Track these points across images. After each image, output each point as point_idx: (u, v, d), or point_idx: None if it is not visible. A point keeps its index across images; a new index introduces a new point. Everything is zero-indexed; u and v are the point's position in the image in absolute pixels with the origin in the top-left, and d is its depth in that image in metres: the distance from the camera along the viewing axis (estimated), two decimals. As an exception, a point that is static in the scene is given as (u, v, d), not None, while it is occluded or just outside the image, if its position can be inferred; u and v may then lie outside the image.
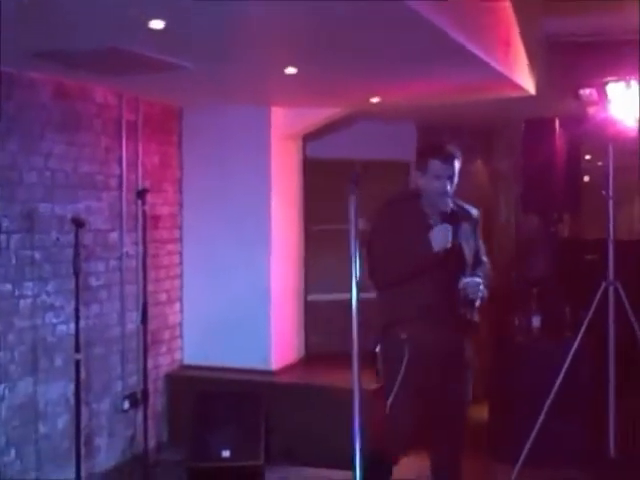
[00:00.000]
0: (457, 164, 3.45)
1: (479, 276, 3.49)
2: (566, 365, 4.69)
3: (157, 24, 3.34)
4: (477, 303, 3.46)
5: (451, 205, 3.49)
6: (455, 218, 3.48)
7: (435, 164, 3.43)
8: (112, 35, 3.57)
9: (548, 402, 4.68)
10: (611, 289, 4.74)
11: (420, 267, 3.40)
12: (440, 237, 3.36)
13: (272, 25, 3.46)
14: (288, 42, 3.81)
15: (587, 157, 8.76)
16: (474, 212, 3.68)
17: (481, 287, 3.42)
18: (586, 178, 8.66)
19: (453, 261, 3.44)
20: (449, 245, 3.35)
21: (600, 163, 7.40)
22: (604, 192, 4.82)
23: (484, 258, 3.69)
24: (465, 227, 3.54)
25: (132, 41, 3.69)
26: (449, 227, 3.36)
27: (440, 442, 3.68)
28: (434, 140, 3.61)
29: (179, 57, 4.00)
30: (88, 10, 3.11)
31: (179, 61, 4.05)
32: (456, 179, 3.47)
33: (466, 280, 3.41)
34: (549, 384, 4.71)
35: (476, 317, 3.56)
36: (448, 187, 3.44)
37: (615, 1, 4.62)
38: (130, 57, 3.94)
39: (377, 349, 3.64)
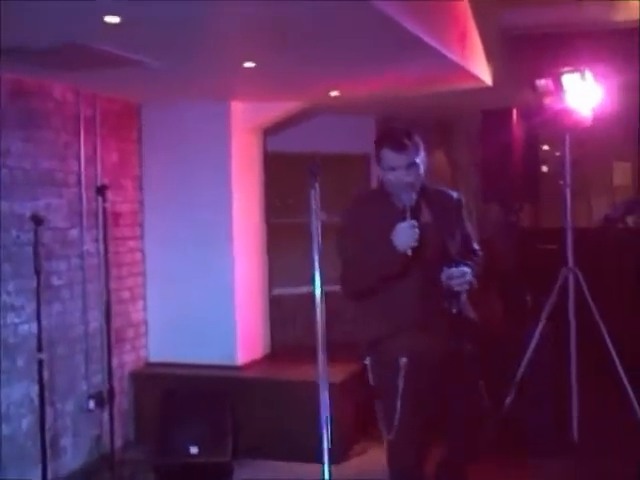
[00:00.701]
0: (415, 150, 3.05)
1: (467, 265, 3.09)
2: (529, 352, 4.77)
3: (113, 19, 3.33)
4: (463, 296, 3.12)
5: (414, 197, 3.09)
6: (418, 212, 3.09)
7: (387, 154, 3.06)
8: (69, 31, 3.54)
9: (512, 388, 4.76)
10: (571, 275, 4.84)
11: (389, 272, 3.03)
12: (403, 236, 2.95)
13: (229, 20, 3.46)
14: (245, 37, 3.81)
15: (545, 147, 8.92)
16: (455, 196, 3.30)
17: (468, 277, 3.03)
18: (544, 168, 8.80)
19: (437, 259, 3.08)
20: (414, 243, 2.93)
21: (557, 153, 7.53)
22: (562, 181, 4.91)
23: (475, 246, 3.35)
24: (447, 217, 3.20)
25: (89, 36, 3.66)
26: (414, 223, 2.95)
27: (455, 454, 3.39)
28: (387, 128, 3.13)
29: (137, 52, 3.98)
30: (44, 6, 3.07)
31: (137, 56, 4.03)
32: (420, 167, 3.08)
33: (450, 270, 3.03)
34: (513, 371, 4.79)
35: (470, 313, 3.22)
36: (407, 178, 3.04)
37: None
38: (88, 53, 3.91)
39: (366, 361, 3.29)
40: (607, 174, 9.75)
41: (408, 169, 3.03)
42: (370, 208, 3.18)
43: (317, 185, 3.24)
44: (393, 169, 3.04)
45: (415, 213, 3.04)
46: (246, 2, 3.10)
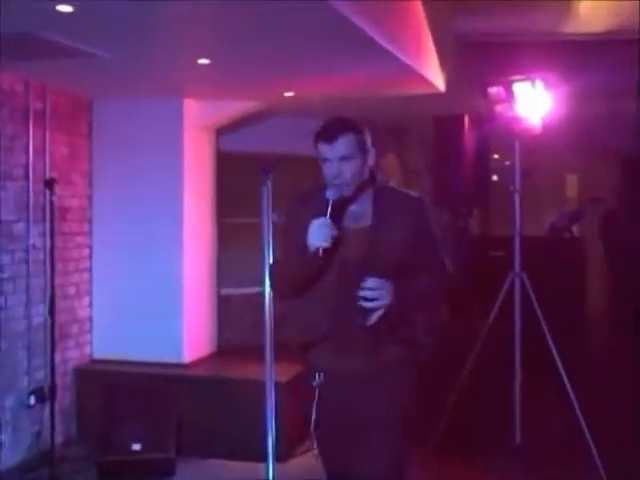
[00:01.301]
0: (348, 143, 2.77)
1: (395, 282, 2.73)
2: (474, 354, 4.84)
3: (65, 8, 3.28)
4: (373, 316, 2.70)
5: (347, 194, 2.80)
6: (343, 211, 2.81)
7: (321, 147, 2.82)
8: (21, 20, 3.48)
9: (456, 387, 4.82)
10: (517, 280, 4.92)
11: (301, 273, 2.80)
12: (315, 234, 2.68)
13: (182, 15, 3.44)
14: (199, 32, 3.80)
15: (495, 156, 9.05)
16: (414, 197, 2.94)
17: (382, 292, 2.68)
18: (494, 177, 8.94)
19: (367, 267, 2.74)
20: (325, 244, 2.65)
21: (507, 162, 7.65)
22: (511, 187, 4.99)
23: (438, 258, 2.92)
24: (397, 222, 2.83)
25: (41, 26, 3.61)
26: (328, 222, 2.67)
27: None
28: (326, 120, 2.86)
29: (88, 44, 3.94)
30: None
31: (88, 48, 3.98)
32: (355, 162, 2.78)
33: (366, 284, 2.68)
34: (459, 372, 4.85)
35: (401, 331, 2.82)
36: (339, 171, 2.76)
37: (522, 4, 4.77)
38: (39, 43, 3.86)
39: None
40: (560, 186, 9.95)
41: (340, 162, 2.77)
42: (306, 204, 2.90)
43: (269, 183, 3.25)
44: (325, 161, 2.81)
45: (339, 211, 2.78)
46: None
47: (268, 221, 3.21)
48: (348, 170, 2.78)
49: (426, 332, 2.89)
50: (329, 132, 2.79)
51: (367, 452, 2.82)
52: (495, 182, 8.69)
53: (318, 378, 2.81)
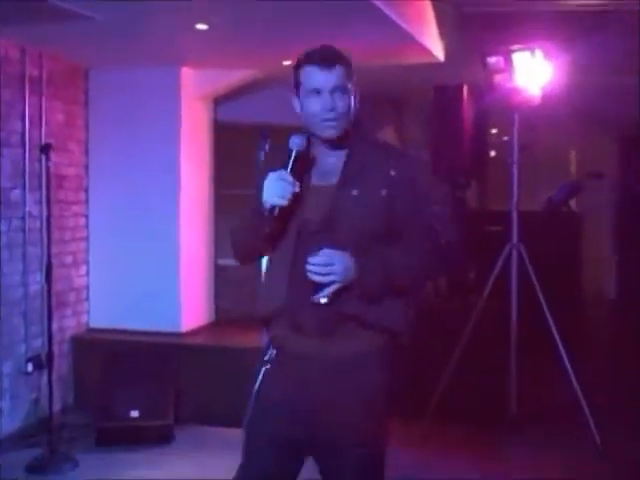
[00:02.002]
0: (344, 71, 2.29)
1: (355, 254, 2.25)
2: (470, 325, 4.84)
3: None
4: (325, 291, 2.26)
5: (336, 133, 2.32)
6: (306, 161, 2.35)
7: (311, 75, 2.29)
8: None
9: (453, 362, 4.83)
10: (514, 251, 4.92)
11: (253, 233, 2.37)
12: (269, 189, 2.26)
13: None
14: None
15: (493, 131, 9.01)
16: (407, 155, 2.48)
17: (334, 267, 2.22)
18: (492, 153, 8.91)
19: (329, 232, 2.29)
20: (282, 202, 2.24)
21: (506, 138, 7.63)
22: (509, 159, 4.97)
23: (430, 226, 2.35)
24: (373, 180, 2.33)
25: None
26: (284, 175, 2.25)
27: None
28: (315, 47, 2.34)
29: (84, 6, 3.89)
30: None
31: (83, 10, 3.93)
32: (350, 99, 2.31)
33: (314, 256, 2.24)
34: (455, 345, 4.86)
35: (360, 309, 2.29)
36: (334, 104, 2.28)
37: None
38: (34, 3, 3.81)
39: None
40: (558, 161, 9.87)
41: (333, 94, 2.28)
42: (277, 156, 2.40)
43: (267, 147, 3.24)
44: (314, 92, 2.29)
45: (304, 163, 2.33)
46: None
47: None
48: (343, 105, 2.29)
49: (404, 316, 2.37)
50: (325, 57, 2.30)
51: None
52: (493, 157, 8.67)
53: (269, 355, 2.36)
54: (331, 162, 2.37)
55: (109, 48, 5.00)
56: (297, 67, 2.34)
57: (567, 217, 7.54)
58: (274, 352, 2.37)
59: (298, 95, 2.35)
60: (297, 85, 2.35)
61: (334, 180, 2.34)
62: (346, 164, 2.36)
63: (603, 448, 4.56)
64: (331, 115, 2.29)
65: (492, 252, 5.13)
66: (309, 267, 2.24)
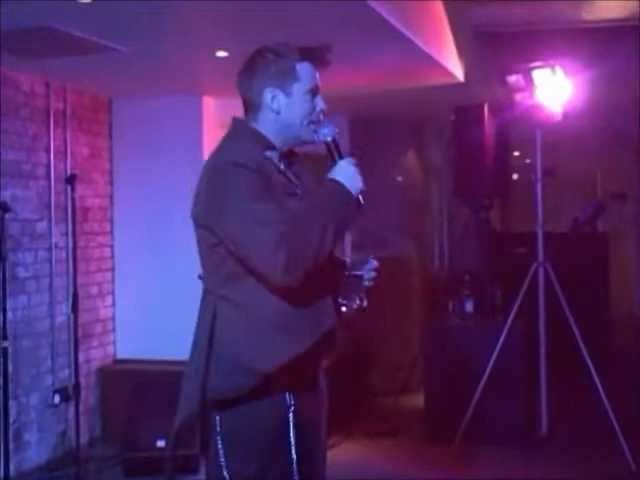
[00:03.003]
0: None
1: None
2: (499, 345, 4.78)
3: (85, -1, 3.30)
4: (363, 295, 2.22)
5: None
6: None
7: (312, 70, 2.19)
8: (40, 13, 3.50)
9: (482, 383, 4.77)
10: (541, 270, 4.87)
11: (343, 230, 2.11)
12: (357, 175, 2.10)
13: (201, 3, 3.44)
14: (218, 22, 3.79)
15: (516, 153, 8.98)
16: None
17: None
18: (515, 176, 8.87)
19: None
20: (363, 186, 2.11)
21: (528, 160, 7.60)
22: (533, 177, 4.94)
23: None
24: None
25: (59, 19, 3.62)
26: (353, 160, 2.12)
27: None
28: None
29: (107, 38, 3.95)
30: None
31: (107, 42, 3.99)
32: None
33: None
34: (484, 366, 4.80)
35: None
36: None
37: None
38: (59, 37, 3.88)
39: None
40: (582, 182, 9.76)
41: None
42: (265, 166, 2.11)
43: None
44: (314, 90, 2.19)
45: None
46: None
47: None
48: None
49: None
50: (326, 54, 2.19)
51: None
52: (516, 180, 8.63)
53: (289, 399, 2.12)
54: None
55: (132, 79, 5.07)
56: (293, 59, 2.15)
57: (593, 237, 7.46)
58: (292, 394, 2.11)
59: (285, 89, 2.13)
60: (289, 78, 2.14)
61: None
62: (304, 178, 2.24)
63: (637, 470, 4.46)
64: (320, 118, 2.17)
65: (517, 274, 5.10)
66: (370, 275, 2.19)
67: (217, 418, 2.15)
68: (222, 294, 2.13)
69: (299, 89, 2.15)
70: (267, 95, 2.14)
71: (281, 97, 2.14)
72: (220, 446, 2.13)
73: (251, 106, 2.16)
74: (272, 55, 2.16)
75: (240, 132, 2.19)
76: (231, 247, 2.05)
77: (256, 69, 2.18)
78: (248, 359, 2.05)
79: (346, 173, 2.08)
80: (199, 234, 2.18)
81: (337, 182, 2.07)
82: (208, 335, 2.16)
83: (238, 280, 2.09)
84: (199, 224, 2.16)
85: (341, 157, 2.13)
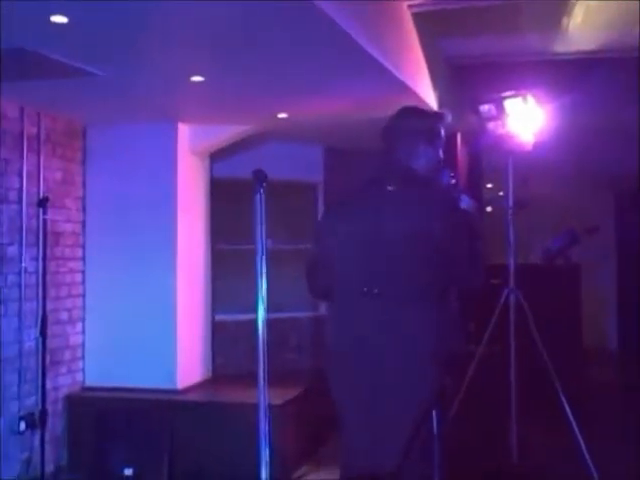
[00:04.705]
0: None
1: None
2: (469, 374, 4.77)
3: (60, 19, 3.30)
4: None
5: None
6: None
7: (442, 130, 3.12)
8: (14, 34, 3.49)
9: (452, 412, 4.74)
10: (512, 296, 4.89)
11: None
12: None
13: (177, 27, 3.47)
14: (193, 48, 3.81)
15: (489, 186, 9.06)
16: None
17: None
18: (488, 209, 8.93)
19: None
20: None
21: (501, 193, 7.66)
22: (504, 203, 4.98)
23: None
24: None
25: (35, 40, 3.62)
26: None
27: None
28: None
29: (82, 61, 3.94)
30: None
31: (82, 65, 3.99)
32: None
33: None
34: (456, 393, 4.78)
35: None
36: None
37: (511, 22, 4.83)
38: (34, 60, 3.86)
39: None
40: (553, 217, 9.85)
41: None
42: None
43: (262, 191, 3.20)
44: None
45: None
46: (195, 10, 3.12)
47: (261, 229, 3.13)
48: None
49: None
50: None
51: None
52: (490, 213, 8.69)
53: None
54: None
55: (106, 105, 5.06)
56: (442, 121, 3.08)
57: (566, 268, 7.50)
58: None
59: (435, 145, 3.02)
60: (437, 136, 3.03)
61: None
62: None
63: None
64: None
65: (491, 304, 5.10)
66: None
67: None
68: None
69: (440, 142, 3.12)
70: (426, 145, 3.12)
71: (430, 149, 3.10)
72: None
73: None
74: None
75: None
76: None
77: None
78: None
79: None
80: None
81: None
82: None
83: None
84: None
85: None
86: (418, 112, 3.16)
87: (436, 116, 3.15)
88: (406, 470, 2.74)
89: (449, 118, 3.14)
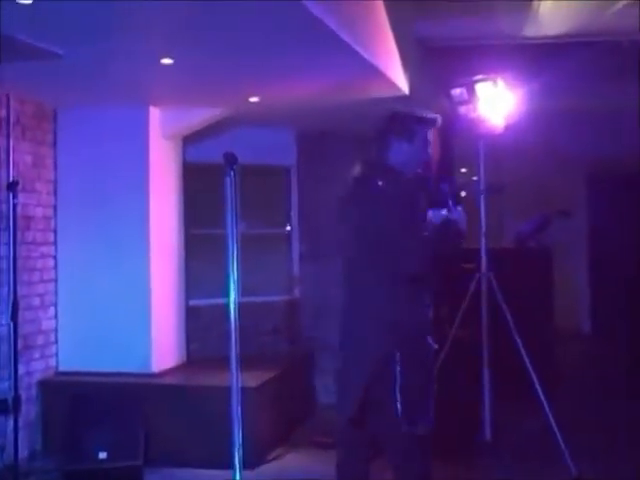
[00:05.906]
0: None
1: None
2: (443, 354, 4.81)
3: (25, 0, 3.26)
4: None
5: None
6: None
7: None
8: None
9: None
10: (484, 279, 4.93)
11: None
12: None
13: (145, 8, 3.43)
14: (162, 29, 3.78)
15: (463, 170, 9.10)
16: None
17: None
18: (463, 193, 8.98)
19: None
20: None
21: (475, 178, 7.71)
22: (476, 187, 5.02)
23: None
24: None
25: (1, 22, 3.57)
26: None
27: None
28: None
29: (48, 42, 3.90)
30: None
31: (48, 46, 3.94)
32: None
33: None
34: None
35: None
36: None
37: (482, 6, 4.84)
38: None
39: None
40: (526, 200, 9.92)
41: None
42: None
43: (232, 173, 3.20)
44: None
45: None
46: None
47: (232, 212, 3.13)
48: None
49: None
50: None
51: None
52: (463, 197, 8.72)
53: None
54: None
55: (76, 88, 5.02)
56: (430, 124, 3.51)
57: (538, 251, 7.56)
58: None
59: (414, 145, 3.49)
60: (417, 137, 3.47)
61: None
62: None
63: (578, 475, 4.52)
64: None
65: (464, 288, 5.15)
66: None
67: None
68: None
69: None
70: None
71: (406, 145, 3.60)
72: None
73: None
74: None
75: None
76: None
77: None
78: None
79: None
80: None
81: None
82: None
83: None
84: None
85: None
86: (401, 115, 3.53)
87: (423, 120, 3.50)
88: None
89: (439, 122, 3.52)
